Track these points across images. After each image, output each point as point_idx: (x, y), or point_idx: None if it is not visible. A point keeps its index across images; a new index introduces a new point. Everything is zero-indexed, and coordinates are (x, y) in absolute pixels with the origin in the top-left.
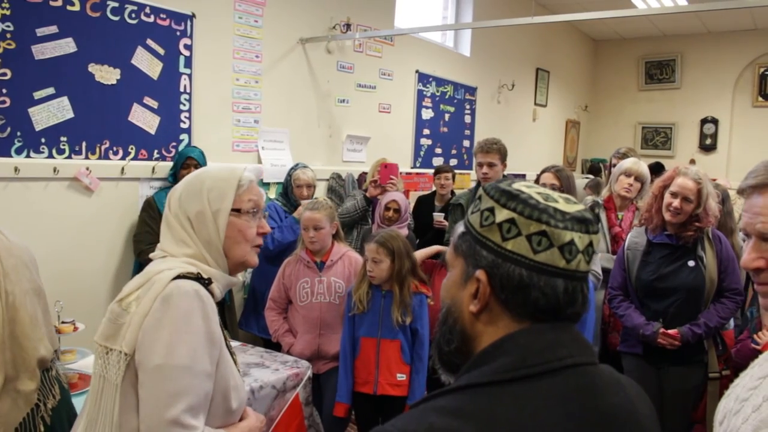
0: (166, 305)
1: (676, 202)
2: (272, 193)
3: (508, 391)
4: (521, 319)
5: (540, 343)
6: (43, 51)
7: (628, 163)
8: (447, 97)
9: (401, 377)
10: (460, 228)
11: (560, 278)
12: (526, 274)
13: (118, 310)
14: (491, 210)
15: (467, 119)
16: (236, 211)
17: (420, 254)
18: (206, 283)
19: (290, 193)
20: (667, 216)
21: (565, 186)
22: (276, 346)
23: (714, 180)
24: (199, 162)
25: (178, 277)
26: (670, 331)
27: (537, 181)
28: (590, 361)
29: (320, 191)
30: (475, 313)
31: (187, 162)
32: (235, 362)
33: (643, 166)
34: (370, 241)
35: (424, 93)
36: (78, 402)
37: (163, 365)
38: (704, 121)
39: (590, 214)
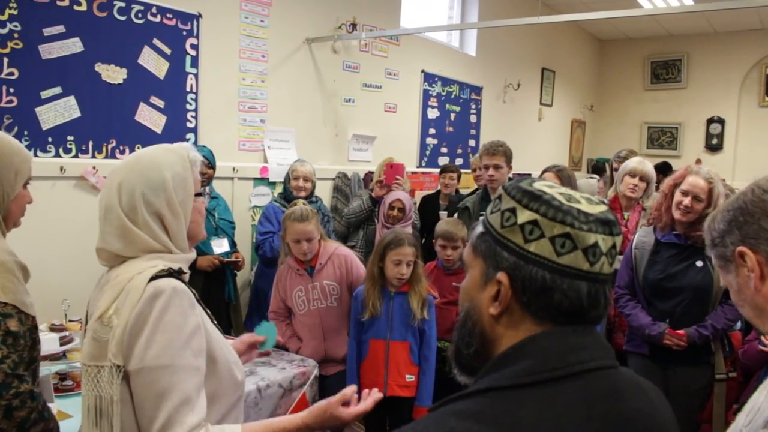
0: (146, 310)
1: (686, 201)
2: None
3: (529, 395)
4: (543, 321)
5: (562, 346)
6: (50, 50)
7: (632, 163)
8: (452, 96)
9: (410, 378)
10: (479, 228)
11: (584, 281)
12: (549, 276)
13: (101, 328)
14: (512, 210)
15: (473, 119)
16: (197, 195)
17: None
18: (179, 274)
19: (287, 184)
20: (676, 214)
21: (566, 186)
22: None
23: (722, 180)
24: (210, 161)
25: (153, 278)
26: (677, 332)
27: None
28: (612, 365)
29: (326, 190)
30: (496, 316)
31: None
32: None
33: (648, 166)
34: (403, 245)
35: (430, 93)
36: (77, 401)
37: (145, 368)
38: (710, 121)
39: (613, 215)
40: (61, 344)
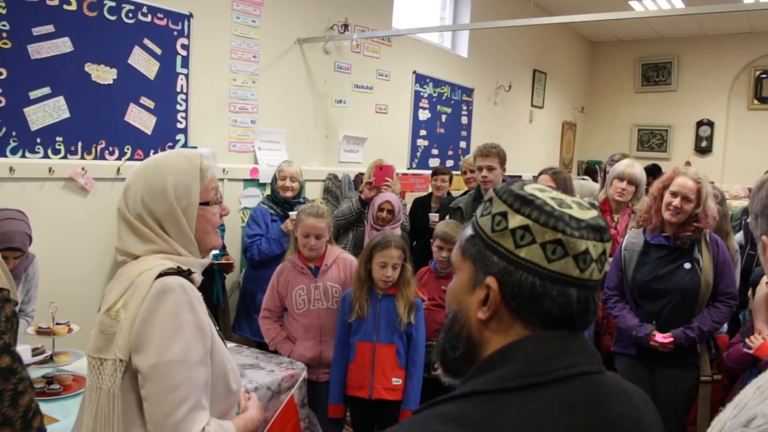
0: (154, 305)
1: (675, 201)
2: None
3: (513, 400)
4: (533, 326)
5: (547, 351)
6: (39, 50)
7: (621, 166)
8: (444, 98)
9: (397, 381)
10: (468, 230)
11: (573, 287)
12: (539, 283)
13: (108, 321)
14: (503, 215)
15: (464, 120)
16: (204, 204)
17: None
18: (187, 274)
19: (274, 185)
20: (666, 215)
21: (562, 188)
22: (268, 350)
23: (711, 182)
24: None
25: (160, 275)
26: (664, 337)
27: None
28: (597, 370)
29: (316, 192)
30: (484, 321)
31: None
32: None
33: (636, 169)
34: (389, 247)
35: (421, 94)
36: (71, 404)
37: (158, 363)
38: (700, 124)
39: (603, 221)
40: (33, 356)
